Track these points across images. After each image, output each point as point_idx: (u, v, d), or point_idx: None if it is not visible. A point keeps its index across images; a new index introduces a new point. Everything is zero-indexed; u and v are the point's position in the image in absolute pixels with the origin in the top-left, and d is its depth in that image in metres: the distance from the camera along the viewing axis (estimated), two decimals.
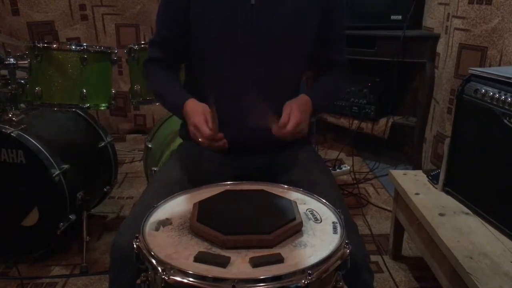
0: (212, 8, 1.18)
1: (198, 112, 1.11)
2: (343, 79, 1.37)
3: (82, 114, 2.10)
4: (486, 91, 1.39)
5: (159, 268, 0.75)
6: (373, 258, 1.85)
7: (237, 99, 1.22)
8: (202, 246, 0.82)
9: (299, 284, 0.73)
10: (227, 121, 1.24)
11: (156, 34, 1.29)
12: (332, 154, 2.99)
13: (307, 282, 0.72)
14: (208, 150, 1.15)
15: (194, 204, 0.94)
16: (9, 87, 1.85)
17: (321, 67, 1.36)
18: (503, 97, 1.32)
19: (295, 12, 1.19)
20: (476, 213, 1.45)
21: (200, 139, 1.08)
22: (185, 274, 0.73)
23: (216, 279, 0.72)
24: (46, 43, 1.77)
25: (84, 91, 1.80)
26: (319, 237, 0.86)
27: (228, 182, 1.09)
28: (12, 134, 1.70)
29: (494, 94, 1.35)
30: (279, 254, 0.79)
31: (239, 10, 1.17)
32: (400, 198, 1.73)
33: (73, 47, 1.80)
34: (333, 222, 0.91)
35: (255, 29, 1.18)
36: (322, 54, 1.30)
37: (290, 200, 0.96)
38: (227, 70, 1.22)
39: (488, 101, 1.37)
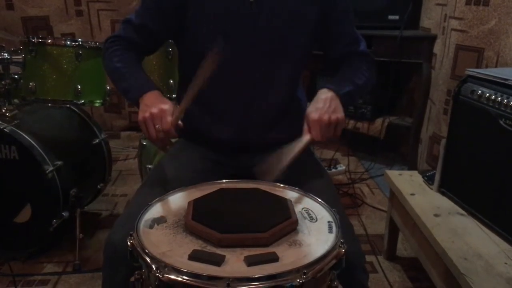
0: (211, 6, 1.17)
1: (167, 102, 1.05)
2: (365, 65, 1.28)
3: (76, 110, 2.09)
4: (482, 92, 1.39)
5: (153, 266, 0.75)
6: (367, 258, 1.84)
7: (233, 97, 1.21)
8: (196, 244, 0.82)
9: (294, 283, 0.72)
10: (224, 120, 1.23)
11: (136, 17, 1.23)
12: (328, 153, 2.99)
13: (302, 281, 0.72)
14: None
15: (189, 202, 0.93)
16: (3, 82, 1.84)
17: (340, 62, 1.29)
18: (499, 99, 1.32)
19: (294, 10, 1.18)
20: (471, 214, 1.45)
21: (156, 126, 1.01)
22: (179, 272, 0.72)
23: (210, 278, 0.71)
24: (40, 38, 1.76)
25: (79, 87, 1.79)
26: (315, 236, 0.86)
27: (224, 181, 1.09)
28: (5, 129, 1.68)
29: (490, 95, 1.36)
30: (274, 253, 0.79)
31: (238, 8, 1.16)
32: (395, 198, 1.73)
33: (68, 42, 1.79)
34: (328, 221, 0.91)
35: (254, 28, 1.17)
36: (336, 51, 1.27)
37: (285, 199, 0.96)
38: (224, 68, 1.21)
39: (484, 102, 1.38)
